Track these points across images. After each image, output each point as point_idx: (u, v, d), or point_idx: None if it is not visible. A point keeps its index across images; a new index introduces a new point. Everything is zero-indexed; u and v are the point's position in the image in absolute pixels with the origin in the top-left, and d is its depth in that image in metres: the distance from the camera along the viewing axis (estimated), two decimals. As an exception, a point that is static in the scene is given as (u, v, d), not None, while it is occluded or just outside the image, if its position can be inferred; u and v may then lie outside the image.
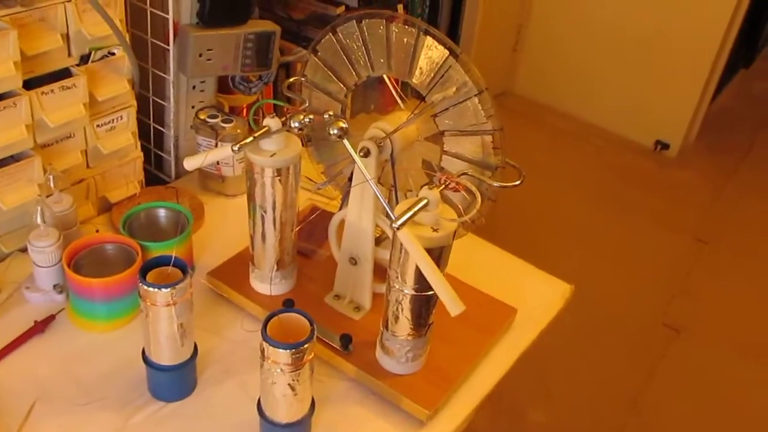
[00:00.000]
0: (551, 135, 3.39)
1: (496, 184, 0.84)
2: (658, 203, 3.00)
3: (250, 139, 0.87)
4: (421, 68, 0.86)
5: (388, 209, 0.80)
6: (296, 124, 0.85)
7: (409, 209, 0.77)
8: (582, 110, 3.44)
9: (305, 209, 1.19)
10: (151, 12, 1.18)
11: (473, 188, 0.82)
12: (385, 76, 0.92)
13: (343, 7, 1.96)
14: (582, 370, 2.24)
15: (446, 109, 0.85)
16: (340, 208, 1.01)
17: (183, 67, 1.20)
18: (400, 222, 0.76)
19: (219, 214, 1.25)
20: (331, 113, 0.83)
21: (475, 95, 0.83)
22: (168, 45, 1.18)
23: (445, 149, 0.89)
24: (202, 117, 1.24)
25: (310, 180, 1.13)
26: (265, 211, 0.95)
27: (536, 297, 1.13)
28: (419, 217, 0.79)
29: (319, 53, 0.95)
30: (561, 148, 3.31)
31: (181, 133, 1.29)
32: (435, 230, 0.80)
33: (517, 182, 0.84)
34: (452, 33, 2.50)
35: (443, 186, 0.81)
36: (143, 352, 0.90)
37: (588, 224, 2.83)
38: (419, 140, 0.92)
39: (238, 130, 1.21)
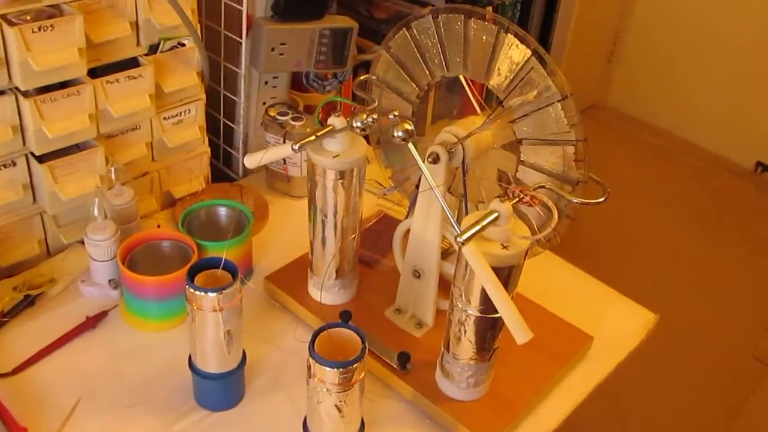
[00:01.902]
0: (643, 151, 3.23)
1: (576, 200, 0.76)
2: (755, 230, 2.81)
3: (312, 137, 0.81)
4: (499, 69, 0.79)
5: (452, 221, 0.73)
6: (359, 124, 0.79)
7: (477, 223, 0.70)
8: (678, 126, 3.27)
9: (371, 215, 1.13)
10: (225, 3, 1.15)
11: (550, 203, 0.74)
12: (461, 77, 0.85)
13: (428, 9, 1.90)
14: (662, 402, 2.09)
15: (525, 115, 0.78)
16: (407, 217, 0.95)
17: (255, 62, 1.16)
18: (465, 236, 0.69)
19: (283, 215, 1.20)
20: (396, 113, 0.77)
21: (558, 101, 0.75)
22: (240, 38, 1.15)
23: (522, 159, 0.81)
24: (271, 114, 1.19)
25: (379, 184, 1.07)
26: (326, 216, 0.90)
27: (616, 325, 1.03)
28: (488, 232, 0.72)
29: (391, 50, 0.88)
30: (653, 165, 3.15)
31: (251, 130, 1.25)
32: (505, 247, 0.73)
33: (601, 199, 0.76)
34: (543, 40, 2.39)
35: (517, 199, 0.74)
36: (189, 358, 0.85)
37: (678, 249, 2.67)
38: (494, 148, 0.84)
39: (308, 129, 1.16)
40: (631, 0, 3.15)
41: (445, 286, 0.92)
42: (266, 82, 1.22)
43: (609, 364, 0.97)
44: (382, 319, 0.96)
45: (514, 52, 0.77)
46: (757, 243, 2.72)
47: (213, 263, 0.81)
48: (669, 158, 3.19)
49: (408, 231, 0.93)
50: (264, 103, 1.24)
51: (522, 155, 0.81)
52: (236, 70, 1.18)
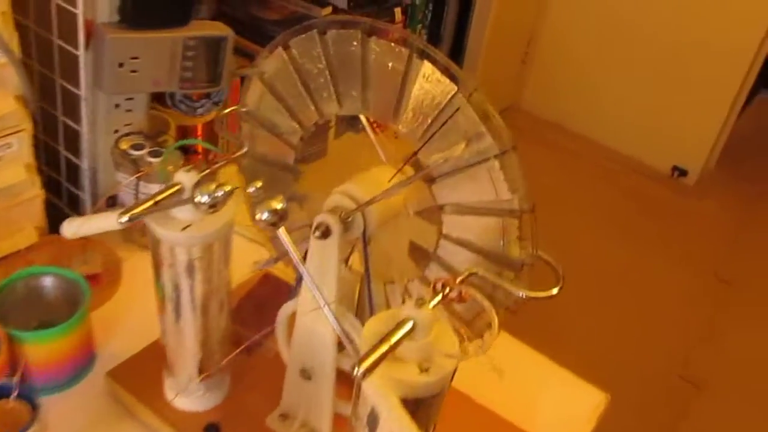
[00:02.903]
0: (559, 156, 3.09)
1: (522, 293, 0.54)
2: (674, 236, 2.71)
3: (147, 204, 0.57)
4: (413, 109, 0.56)
5: (344, 338, 0.50)
6: (205, 199, 0.54)
7: (383, 342, 0.47)
8: (594, 130, 3.15)
9: (250, 278, 0.88)
10: (57, 4, 0.88)
11: (485, 303, 0.52)
12: (361, 117, 0.62)
13: (330, 9, 1.66)
14: None
15: (449, 173, 0.55)
16: (292, 294, 0.71)
17: (99, 80, 0.90)
18: (364, 367, 0.46)
19: (141, 276, 0.93)
20: (259, 185, 0.53)
21: (496, 156, 0.53)
22: (77, 50, 0.88)
23: (444, 232, 0.59)
24: (123, 147, 0.93)
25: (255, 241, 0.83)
26: (179, 304, 0.65)
27: (564, 411, 0.83)
28: (401, 349, 0.49)
29: (265, 75, 0.64)
30: (569, 170, 3.02)
31: (101, 165, 0.98)
32: (424, 370, 0.50)
33: (554, 291, 0.54)
34: (458, 40, 2.19)
35: (440, 296, 0.51)
36: None
37: (597, 256, 2.52)
38: (407, 214, 0.61)
39: (170, 167, 0.90)
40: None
41: (344, 382, 0.69)
42: (117, 105, 0.96)
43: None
44: (263, 429, 0.72)
45: (433, 87, 0.54)
46: (677, 251, 2.62)
47: (3, 390, 0.55)
48: (585, 163, 3.07)
49: (295, 315, 0.69)
50: (116, 131, 0.97)
51: (445, 227, 0.58)
52: (75, 91, 0.92)
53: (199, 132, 1.12)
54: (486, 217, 0.55)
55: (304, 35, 0.59)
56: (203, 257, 0.62)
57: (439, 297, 0.52)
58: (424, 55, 0.53)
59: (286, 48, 0.61)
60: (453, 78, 0.54)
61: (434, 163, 0.54)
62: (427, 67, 0.54)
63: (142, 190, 0.92)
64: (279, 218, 0.51)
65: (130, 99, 0.97)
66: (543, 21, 3.04)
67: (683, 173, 3.01)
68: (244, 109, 0.68)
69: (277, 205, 0.51)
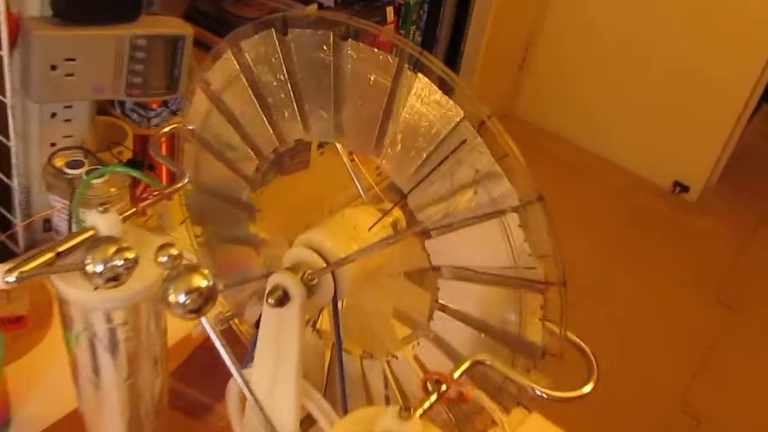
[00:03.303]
0: (554, 168, 2.95)
1: (542, 392, 0.40)
2: (674, 256, 2.58)
3: (42, 259, 0.42)
4: (402, 139, 0.41)
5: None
6: (99, 269, 0.39)
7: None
8: (591, 142, 3.02)
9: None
10: (-23, -6, 0.73)
11: (492, 406, 0.37)
12: (337, 145, 0.47)
13: (315, 6, 1.51)
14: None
15: (450, 226, 0.40)
16: (245, 363, 0.56)
17: (27, 86, 0.75)
18: None
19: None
20: (175, 251, 0.38)
21: (515, 208, 0.38)
22: (1, 50, 0.73)
23: (440, 301, 0.44)
24: (57, 164, 0.78)
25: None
26: (97, 369, 0.51)
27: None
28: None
29: (211, 87, 0.50)
30: (565, 183, 2.88)
31: (35, 184, 0.84)
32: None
33: (586, 389, 0.40)
34: (454, 43, 2.04)
35: (433, 397, 0.37)
36: None
37: (588, 275, 2.38)
38: (391, 274, 0.47)
39: (112, 189, 0.75)
40: (545, 2, 2.86)
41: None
42: (54, 115, 0.81)
43: None
44: None
45: (431, 110, 0.39)
46: (677, 274, 2.49)
47: None
48: (581, 176, 2.93)
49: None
50: (53, 145, 0.83)
51: (441, 294, 0.44)
52: (0, 98, 0.77)
53: (163, 144, 0.97)
54: (498, 287, 0.41)
55: (257, 36, 0.44)
56: (128, 323, 0.48)
57: (433, 399, 0.38)
58: (418, 67, 0.39)
59: (237, 52, 0.46)
60: (453, 97, 0.40)
61: (430, 220, 0.39)
62: (422, 82, 0.39)
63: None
64: (204, 301, 0.37)
65: (69, 107, 0.82)
66: (542, 24, 2.91)
67: (685, 189, 2.88)
68: (189, 127, 0.53)
69: (200, 281, 0.36)
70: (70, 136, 0.83)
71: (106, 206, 0.45)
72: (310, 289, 0.44)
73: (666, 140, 2.82)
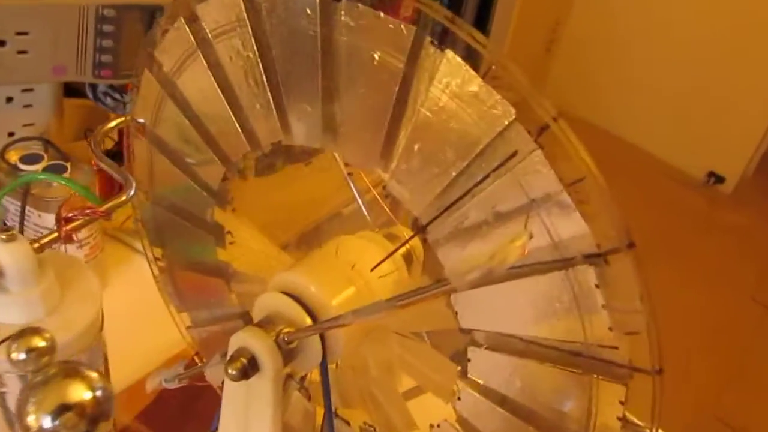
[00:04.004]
0: (582, 156, 2.81)
1: None
2: (707, 251, 2.44)
3: None
4: (421, 147, 0.28)
5: None
6: (20, 356, 0.26)
7: None
8: (621, 129, 2.87)
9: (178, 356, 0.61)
10: None
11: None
12: (336, 156, 0.34)
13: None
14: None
15: (487, 275, 0.27)
16: (213, 426, 0.43)
17: (-29, 63, 0.62)
18: None
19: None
20: (41, 343, 0.24)
21: (590, 258, 0.25)
22: (-63, 18, 0.61)
23: (468, 375, 0.31)
24: (11, 160, 0.66)
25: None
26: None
27: None
28: None
29: (163, 69, 0.36)
30: (594, 173, 2.73)
31: (-11, 179, 0.71)
32: None
33: None
34: (480, 25, 1.89)
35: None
36: None
37: (622, 272, 2.25)
38: (399, 334, 0.34)
39: (77, 190, 0.63)
40: (575, -20, 2.71)
41: None
42: (9, 99, 0.69)
43: None
44: None
45: (464, 106, 0.26)
46: (710, 270, 2.35)
47: None
48: (611, 165, 2.76)
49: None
50: (11, 134, 0.70)
51: (472, 368, 0.30)
52: (-60, 76, 0.64)
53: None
54: (555, 368, 0.28)
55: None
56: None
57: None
58: (446, 42, 0.25)
59: (192, 20, 0.33)
60: (498, 88, 0.26)
61: (460, 272, 0.26)
62: (452, 64, 0.26)
63: (34, 222, 0.65)
64: (90, 423, 0.24)
65: (29, 90, 0.69)
66: (571, 3, 2.75)
67: (720, 180, 2.73)
68: (140, 121, 0.40)
69: (83, 393, 0.23)
70: (31, 125, 0.71)
71: (11, 233, 0.33)
72: (289, 353, 0.31)
73: (700, 128, 2.67)
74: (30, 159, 0.66)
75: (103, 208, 0.37)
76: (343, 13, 0.27)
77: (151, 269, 0.45)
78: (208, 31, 0.33)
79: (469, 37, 0.24)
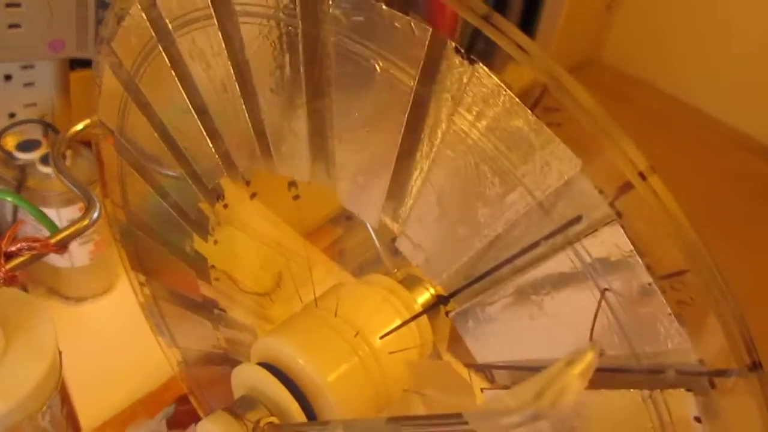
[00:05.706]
0: (644, 120, 2.64)
1: None
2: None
3: None
4: (439, 203, 0.20)
5: None
6: None
7: None
8: (687, 91, 2.68)
9: (166, 385, 0.54)
10: None
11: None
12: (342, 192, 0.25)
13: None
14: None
15: (530, 420, 0.19)
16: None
17: (-42, 39, 0.56)
18: None
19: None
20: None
21: (684, 378, 0.16)
22: None
23: None
24: (7, 146, 0.59)
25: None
26: None
27: None
28: None
29: (123, 66, 0.29)
30: (655, 138, 2.57)
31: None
32: None
33: None
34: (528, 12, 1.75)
35: None
36: None
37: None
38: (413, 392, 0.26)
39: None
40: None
41: None
42: (8, 77, 0.62)
43: None
44: None
45: (505, 147, 0.18)
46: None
47: None
48: (675, 130, 2.62)
49: None
50: (12, 116, 0.64)
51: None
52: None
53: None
54: None
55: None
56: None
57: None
58: (477, 50, 0.17)
59: (149, 6, 0.25)
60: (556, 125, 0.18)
61: (492, 418, 0.18)
62: (485, 85, 0.17)
63: (32, 222, 0.59)
64: None
65: (29, 67, 0.62)
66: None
67: (793, 148, 2.55)
68: (109, 126, 0.33)
69: None
70: (33, 105, 0.64)
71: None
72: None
73: (775, 93, 2.49)
74: (26, 145, 0.59)
75: (54, 240, 0.30)
76: (331, 3, 0.19)
77: (136, 296, 0.38)
78: (167, 19, 0.24)
79: (510, 44, 0.16)
